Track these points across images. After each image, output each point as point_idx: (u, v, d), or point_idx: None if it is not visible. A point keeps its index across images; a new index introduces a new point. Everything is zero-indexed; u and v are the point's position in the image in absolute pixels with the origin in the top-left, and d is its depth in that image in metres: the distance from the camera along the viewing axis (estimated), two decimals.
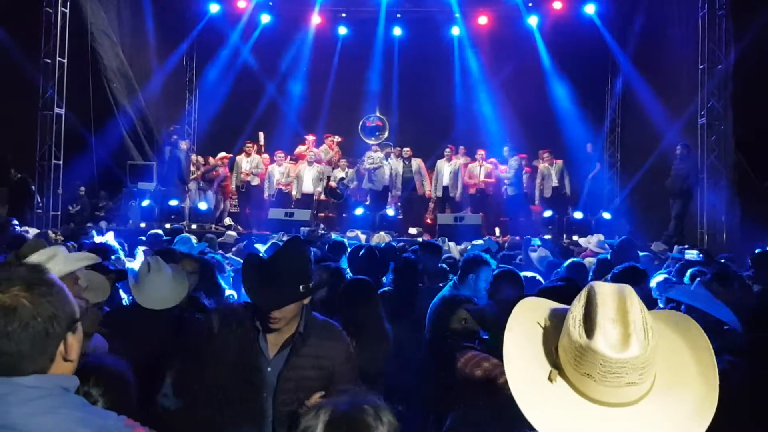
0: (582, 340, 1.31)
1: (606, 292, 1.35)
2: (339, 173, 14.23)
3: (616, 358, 1.28)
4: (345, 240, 8.01)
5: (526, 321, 1.49)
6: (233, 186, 14.62)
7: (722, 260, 7.43)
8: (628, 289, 1.36)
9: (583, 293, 1.39)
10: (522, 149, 14.48)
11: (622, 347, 1.29)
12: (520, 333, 1.47)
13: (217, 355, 2.59)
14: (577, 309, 1.37)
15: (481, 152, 14.18)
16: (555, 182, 13.98)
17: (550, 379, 1.39)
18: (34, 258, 3.10)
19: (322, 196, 14.28)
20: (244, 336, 2.65)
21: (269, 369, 2.65)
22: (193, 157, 14.49)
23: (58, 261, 3.14)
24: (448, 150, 14.18)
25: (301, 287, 2.61)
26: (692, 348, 1.43)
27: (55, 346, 1.50)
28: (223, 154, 14.57)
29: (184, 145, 14.21)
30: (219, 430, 2.52)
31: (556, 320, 1.45)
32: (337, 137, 15.10)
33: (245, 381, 2.59)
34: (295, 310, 2.64)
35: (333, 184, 14.09)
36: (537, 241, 9.84)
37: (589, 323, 1.33)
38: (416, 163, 14.20)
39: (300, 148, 14.69)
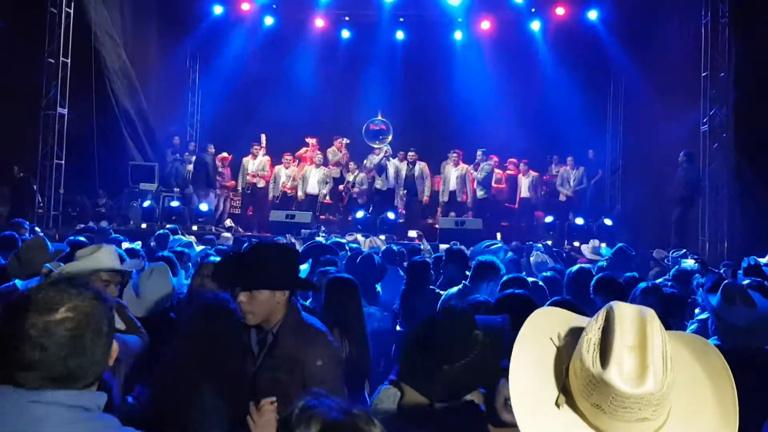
0: (594, 369, 1.21)
1: (626, 315, 1.25)
2: (349, 177, 14.33)
3: (630, 393, 1.18)
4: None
5: (538, 335, 1.40)
6: (239, 188, 14.65)
7: (721, 269, 7.42)
8: (651, 314, 1.26)
9: (602, 314, 1.28)
10: (524, 154, 14.54)
11: (638, 381, 1.19)
12: (530, 348, 1.38)
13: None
14: (592, 331, 1.26)
15: (493, 158, 14.21)
16: (571, 187, 14.10)
17: (557, 404, 1.30)
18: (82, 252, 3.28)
19: (327, 199, 14.32)
20: (239, 334, 2.62)
21: (253, 368, 2.60)
22: (192, 157, 14.48)
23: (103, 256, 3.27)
24: (455, 155, 14.19)
25: (264, 277, 2.53)
26: (711, 377, 1.33)
27: (105, 360, 1.51)
28: (224, 154, 14.57)
29: (212, 149, 14.23)
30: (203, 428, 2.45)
31: (571, 338, 1.35)
32: (345, 139, 15.13)
33: (234, 379, 2.54)
34: (266, 305, 2.54)
35: (342, 187, 14.25)
36: (540, 247, 9.85)
37: (604, 350, 1.22)
38: (419, 167, 14.19)
39: (301, 151, 14.74)
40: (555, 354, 1.36)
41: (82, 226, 9.41)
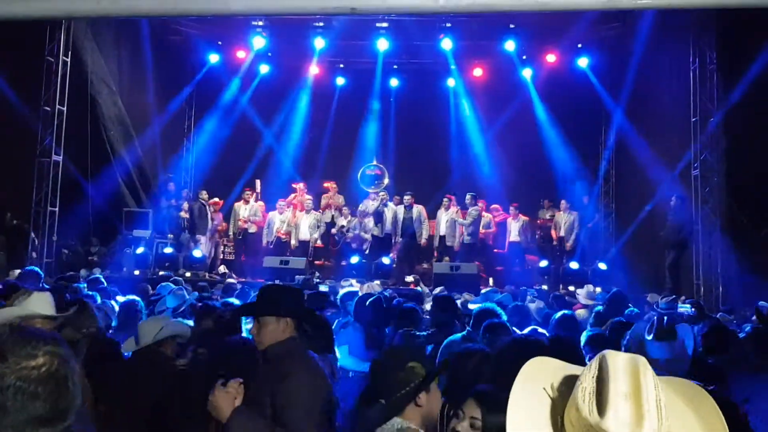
0: (592, 418, 1.24)
1: (619, 364, 1.28)
2: (342, 221, 14.32)
3: None
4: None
5: (532, 386, 1.41)
6: (231, 233, 14.62)
7: (717, 315, 7.39)
8: (643, 362, 1.29)
9: (595, 363, 1.31)
10: (517, 199, 14.61)
11: (635, 429, 1.21)
12: (524, 399, 1.39)
13: None
14: (587, 380, 1.29)
15: (481, 203, 14.25)
16: (562, 232, 14.08)
17: None
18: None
19: (318, 243, 14.28)
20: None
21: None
22: (185, 204, 14.47)
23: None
24: (446, 200, 14.24)
25: (268, 305, 2.91)
26: (703, 421, 1.35)
27: (80, 397, 1.51)
28: (215, 200, 14.58)
29: (204, 194, 14.26)
30: None
31: (565, 387, 1.37)
32: (332, 182, 15.24)
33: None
34: (272, 334, 2.83)
35: (334, 231, 14.20)
36: (533, 291, 9.82)
37: (600, 399, 1.25)
38: (417, 210, 14.21)
39: (290, 197, 14.80)
40: (550, 405, 1.37)
41: (61, 276, 9.31)
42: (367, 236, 14.12)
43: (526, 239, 14.28)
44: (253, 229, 14.28)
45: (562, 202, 14.38)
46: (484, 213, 14.23)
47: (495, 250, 14.25)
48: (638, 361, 1.29)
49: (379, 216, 14.08)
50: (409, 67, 16.77)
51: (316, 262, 14.29)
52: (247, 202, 14.37)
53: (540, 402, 1.38)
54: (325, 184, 15.27)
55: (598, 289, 9.85)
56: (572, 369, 1.44)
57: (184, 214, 14.11)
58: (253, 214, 14.29)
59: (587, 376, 1.30)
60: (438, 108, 16.67)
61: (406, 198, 14.30)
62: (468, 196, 14.16)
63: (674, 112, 12.75)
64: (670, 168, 12.42)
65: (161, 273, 11.88)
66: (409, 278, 13.25)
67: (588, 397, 1.26)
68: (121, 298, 6.53)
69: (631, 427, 1.21)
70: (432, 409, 2.46)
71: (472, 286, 11.44)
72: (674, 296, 8.58)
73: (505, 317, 4.78)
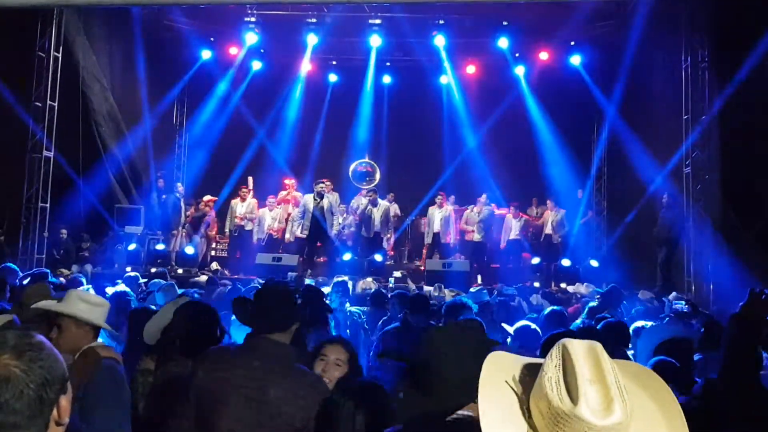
0: (565, 406, 1.27)
1: (579, 351, 1.32)
2: (339, 219, 14.26)
3: (602, 425, 1.24)
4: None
5: (496, 379, 1.45)
6: (227, 230, 14.54)
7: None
8: (599, 347, 1.34)
9: (555, 352, 1.35)
10: (509, 196, 14.62)
11: (606, 413, 1.25)
12: (492, 391, 1.42)
13: None
14: (551, 370, 1.32)
15: (481, 200, 14.23)
16: (549, 230, 14.07)
17: None
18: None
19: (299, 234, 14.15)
20: None
21: None
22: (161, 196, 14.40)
23: None
24: (439, 197, 14.25)
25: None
26: (657, 401, 1.40)
27: (50, 412, 1.43)
28: (208, 197, 14.52)
29: (180, 187, 14.12)
30: None
31: (527, 378, 1.41)
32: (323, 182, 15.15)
33: None
34: None
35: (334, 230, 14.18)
36: (511, 290, 9.82)
37: (568, 387, 1.28)
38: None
39: (281, 194, 14.74)
40: (515, 397, 1.41)
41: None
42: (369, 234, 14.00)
43: (525, 237, 14.32)
44: (249, 226, 14.19)
45: (549, 201, 14.37)
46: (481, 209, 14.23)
47: (501, 246, 14.25)
48: (596, 347, 1.34)
49: (367, 218, 13.98)
50: (401, 64, 16.75)
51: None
52: (243, 199, 14.28)
53: (506, 396, 1.42)
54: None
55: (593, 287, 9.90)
56: (527, 361, 1.49)
57: (154, 199, 14.02)
58: (250, 212, 14.23)
59: (550, 366, 1.33)
60: (431, 105, 16.67)
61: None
62: (483, 196, 14.19)
63: (666, 110, 12.79)
64: (662, 165, 12.46)
65: (153, 270, 11.83)
66: (397, 273, 13.26)
67: (555, 387, 1.30)
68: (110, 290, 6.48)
69: (602, 412, 1.25)
70: None
71: (464, 282, 11.47)
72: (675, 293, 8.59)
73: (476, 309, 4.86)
